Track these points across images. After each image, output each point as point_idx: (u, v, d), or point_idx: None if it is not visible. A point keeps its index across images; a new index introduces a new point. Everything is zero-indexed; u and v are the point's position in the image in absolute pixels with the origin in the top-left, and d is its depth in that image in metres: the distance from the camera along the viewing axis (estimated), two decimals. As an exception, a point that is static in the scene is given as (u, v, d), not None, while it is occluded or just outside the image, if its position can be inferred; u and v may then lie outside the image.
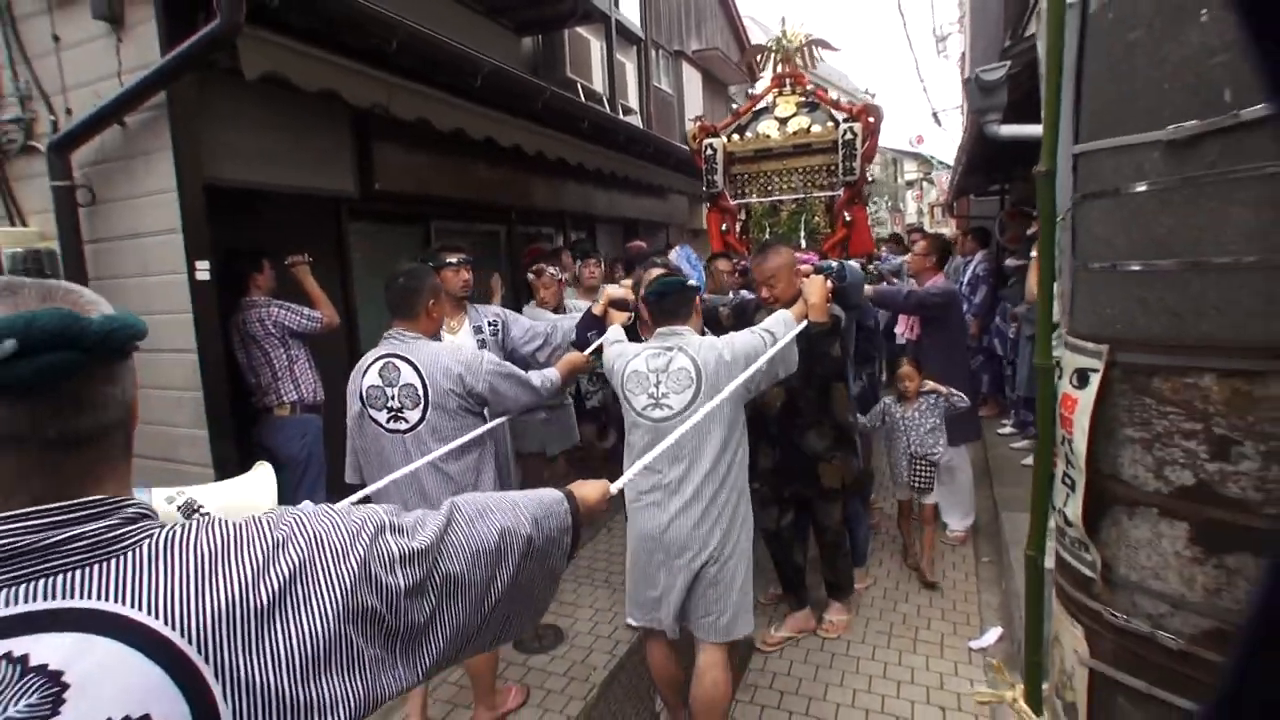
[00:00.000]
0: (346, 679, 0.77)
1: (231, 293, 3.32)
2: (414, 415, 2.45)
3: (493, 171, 5.24)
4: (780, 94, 4.57)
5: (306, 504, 0.89)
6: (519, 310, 3.91)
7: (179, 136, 2.86)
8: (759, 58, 4.84)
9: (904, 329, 5.11)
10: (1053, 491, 1.05)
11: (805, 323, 2.71)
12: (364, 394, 2.49)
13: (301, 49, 3.08)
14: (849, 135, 4.10)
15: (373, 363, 2.53)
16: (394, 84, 3.65)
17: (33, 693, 0.63)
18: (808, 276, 2.90)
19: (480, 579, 0.94)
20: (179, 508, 1.18)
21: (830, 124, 4.29)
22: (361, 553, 0.81)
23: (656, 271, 2.83)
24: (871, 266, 6.75)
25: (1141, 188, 0.84)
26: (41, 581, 0.67)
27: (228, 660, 0.70)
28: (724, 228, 4.67)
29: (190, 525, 0.77)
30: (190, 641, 0.69)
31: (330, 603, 0.77)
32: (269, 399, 3.43)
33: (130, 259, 3.06)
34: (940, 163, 26.61)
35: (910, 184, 37.23)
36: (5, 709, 0.62)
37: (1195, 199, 0.78)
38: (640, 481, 2.41)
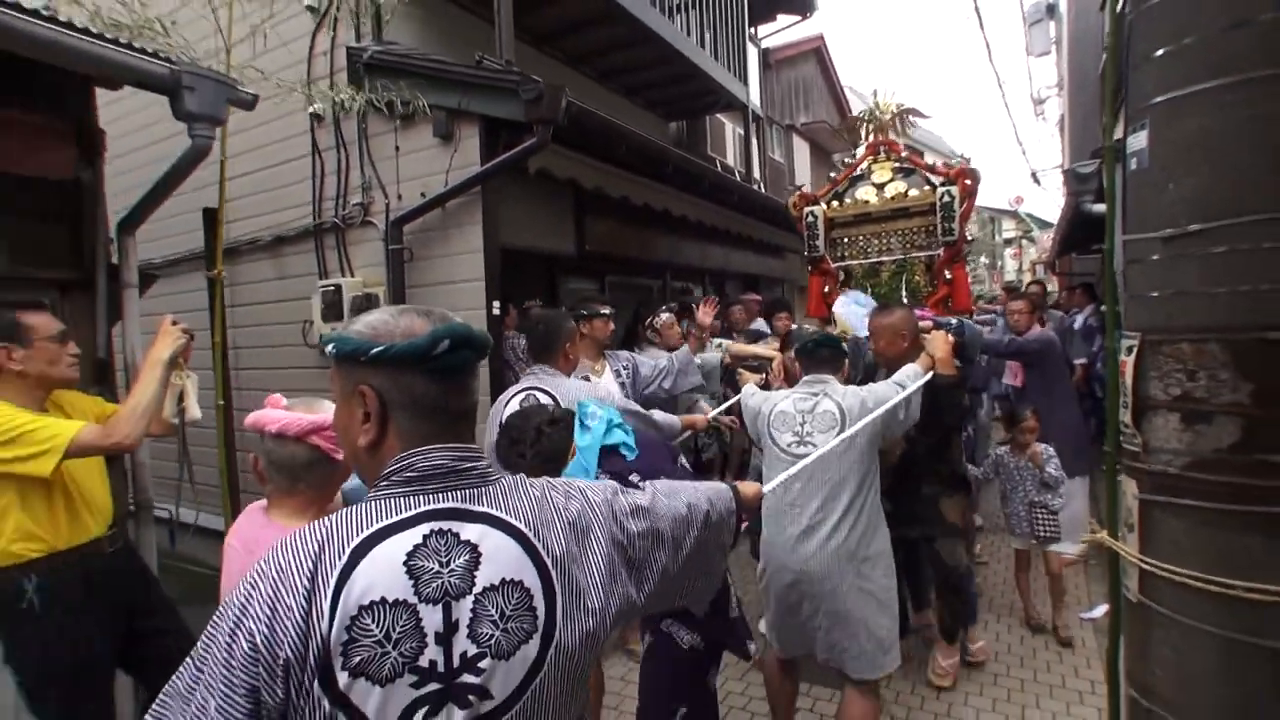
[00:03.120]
0: (615, 588, 1.07)
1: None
2: None
3: (655, 235, 6.38)
4: (875, 161, 4.81)
5: None
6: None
7: (487, 212, 4.08)
8: (853, 129, 5.09)
9: (1009, 376, 5.55)
10: (1118, 415, 1.97)
11: (930, 375, 2.84)
12: (503, 423, 2.72)
13: (560, 150, 4.26)
14: (946, 198, 4.33)
15: (515, 395, 2.77)
16: (610, 171, 4.83)
17: (464, 554, 0.95)
18: (928, 333, 3.04)
19: (677, 536, 1.20)
20: None
21: (927, 187, 4.51)
22: (611, 503, 1.13)
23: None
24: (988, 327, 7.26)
25: (1155, 258, 1.78)
26: (460, 491, 0.99)
27: (556, 554, 1.01)
28: (825, 290, 4.89)
29: (517, 476, 1.10)
30: (538, 539, 1.00)
31: (604, 533, 1.09)
32: (518, 407, 4.54)
33: (440, 300, 4.25)
34: (1040, 221, 26.69)
35: (1009, 242, 37.01)
36: (451, 562, 0.94)
37: (1174, 265, 1.71)
38: (784, 518, 2.60)
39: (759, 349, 4.76)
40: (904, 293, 4.60)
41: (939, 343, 2.91)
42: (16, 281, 2.55)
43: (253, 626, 0.86)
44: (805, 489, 2.56)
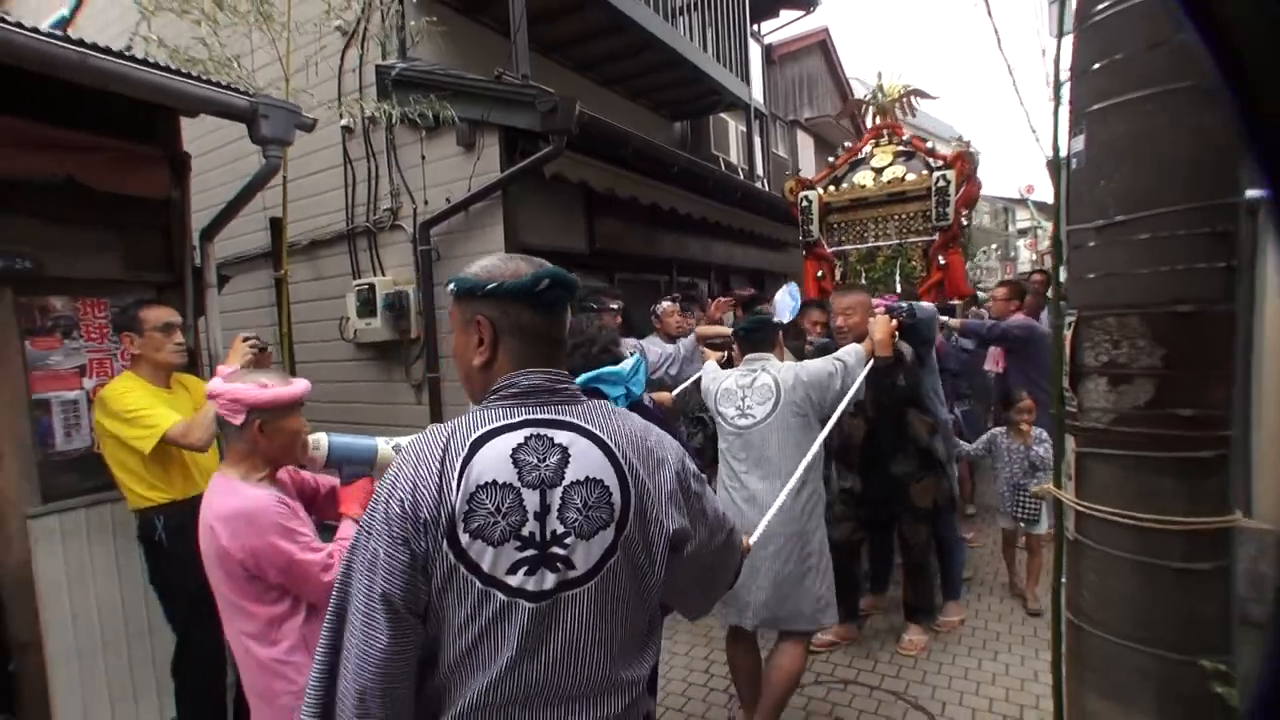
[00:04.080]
0: (674, 511, 1.24)
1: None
2: None
3: (662, 233, 6.71)
4: (877, 145, 4.85)
5: None
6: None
7: (507, 215, 4.44)
8: (857, 112, 5.29)
9: (991, 363, 5.48)
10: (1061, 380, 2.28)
11: (872, 358, 3.03)
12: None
13: (573, 156, 4.58)
14: (941, 182, 4.35)
15: None
16: (619, 173, 5.16)
17: (556, 454, 1.16)
18: (875, 316, 3.22)
19: (714, 525, 1.37)
20: (396, 449, 1.72)
21: (925, 171, 4.48)
22: (681, 454, 1.31)
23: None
24: (974, 309, 7.33)
25: (1091, 245, 2.09)
26: (554, 406, 1.20)
27: (633, 465, 1.20)
28: (820, 274, 4.99)
29: (602, 402, 1.29)
30: (618, 450, 1.19)
31: (671, 468, 1.26)
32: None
33: (464, 296, 4.60)
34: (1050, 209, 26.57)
35: (1023, 232, 37.03)
36: (546, 460, 1.15)
37: (1106, 249, 2.01)
38: (734, 490, 2.82)
39: (723, 329, 4.92)
40: (898, 278, 4.67)
41: (879, 325, 3.11)
42: (127, 284, 3.04)
43: (401, 495, 1.11)
44: (747, 463, 2.78)
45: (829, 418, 2.81)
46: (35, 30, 2.34)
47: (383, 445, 1.75)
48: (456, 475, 1.11)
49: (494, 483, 1.12)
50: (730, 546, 1.46)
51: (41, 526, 2.83)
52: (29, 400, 2.80)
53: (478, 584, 1.11)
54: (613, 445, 1.19)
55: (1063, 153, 2.26)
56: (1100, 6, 1.95)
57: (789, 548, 2.73)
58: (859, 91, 18.45)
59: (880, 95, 4.93)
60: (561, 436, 1.17)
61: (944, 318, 4.29)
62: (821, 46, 15.28)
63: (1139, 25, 1.92)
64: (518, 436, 1.16)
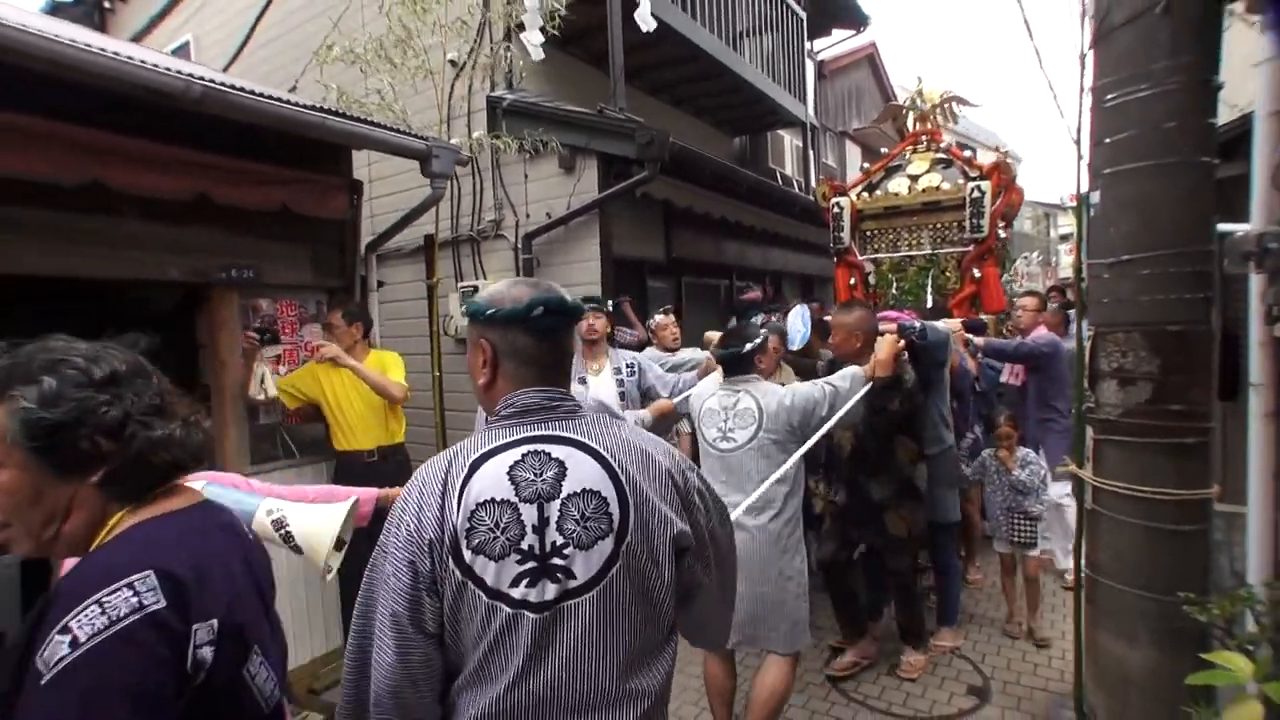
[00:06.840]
0: (677, 519, 1.26)
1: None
2: None
3: (726, 242, 7.31)
4: (914, 151, 4.71)
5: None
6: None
7: (602, 229, 5.08)
8: (897, 117, 5.05)
9: (1009, 375, 5.21)
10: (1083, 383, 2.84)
11: (870, 380, 2.95)
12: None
13: (659, 177, 5.19)
14: (976, 193, 4.20)
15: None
16: (696, 191, 5.80)
17: (553, 468, 1.20)
18: (884, 335, 3.10)
19: (722, 545, 1.43)
20: (273, 521, 1.58)
21: (961, 181, 4.33)
22: (682, 464, 1.34)
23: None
24: (1007, 327, 7.03)
25: (1105, 276, 2.65)
26: (551, 423, 1.25)
27: (630, 473, 1.23)
28: (852, 283, 4.84)
29: (603, 415, 1.34)
30: (614, 460, 1.23)
31: (667, 469, 1.28)
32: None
33: (560, 299, 5.26)
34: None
35: (1064, 238, 36.64)
36: (543, 474, 1.19)
37: (1117, 280, 2.56)
38: None
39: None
40: (930, 290, 4.55)
41: (883, 345, 3.05)
42: (311, 288, 3.77)
43: (408, 519, 1.18)
44: (728, 485, 2.76)
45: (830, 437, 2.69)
46: (304, 105, 3.02)
47: (261, 514, 1.61)
48: (457, 495, 1.18)
49: (492, 500, 1.17)
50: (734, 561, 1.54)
51: (253, 482, 3.54)
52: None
53: (484, 598, 1.16)
54: (609, 456, 1.24)
55: (1084, 181, 2.78)
56: (1110, 95, 2.52)
57: (766, 568, 2.75)
58: (903, 100, 18.67)
59: (919, 101, 4.81)
60: (558, 451, 1.22)
61: (969, 335, 4.20)
62: (869, 60, 15.68)
63: (1140, 113, 2.46)
64: (515, 454, 1.21)
